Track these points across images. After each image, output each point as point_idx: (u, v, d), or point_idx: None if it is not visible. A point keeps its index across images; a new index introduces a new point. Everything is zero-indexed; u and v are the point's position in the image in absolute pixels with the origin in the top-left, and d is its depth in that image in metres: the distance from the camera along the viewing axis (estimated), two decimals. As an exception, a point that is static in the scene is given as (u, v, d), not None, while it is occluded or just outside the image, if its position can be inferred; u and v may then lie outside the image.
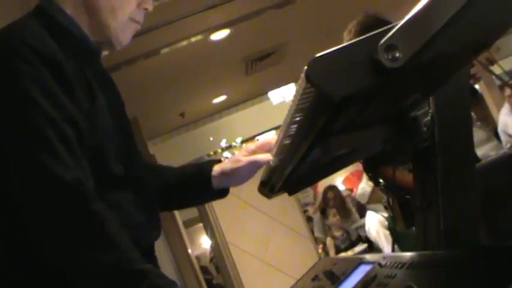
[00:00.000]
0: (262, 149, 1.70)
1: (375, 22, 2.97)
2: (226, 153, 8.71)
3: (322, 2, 6.64)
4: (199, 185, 1.77)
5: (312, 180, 2.02)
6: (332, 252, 5.84)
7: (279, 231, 5.33)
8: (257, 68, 8.20)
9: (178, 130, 9.70)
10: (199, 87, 8.08)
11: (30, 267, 1.31)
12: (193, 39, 6.20)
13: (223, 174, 1.74)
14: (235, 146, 8.99)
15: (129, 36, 1.58)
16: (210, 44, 6.54)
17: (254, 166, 1.70)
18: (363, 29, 2.97)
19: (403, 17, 2.63)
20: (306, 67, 0.82)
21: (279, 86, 9.56)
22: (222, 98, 9.32)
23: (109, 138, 1.46)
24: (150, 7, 1.59)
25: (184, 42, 6.19)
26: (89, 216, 1.23)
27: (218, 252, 5.23)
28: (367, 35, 0.83)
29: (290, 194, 1.80)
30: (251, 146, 1.74)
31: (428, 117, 1.36)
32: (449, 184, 1.38)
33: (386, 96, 1.02)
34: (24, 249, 1.31)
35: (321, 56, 0.82)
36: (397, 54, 0.79)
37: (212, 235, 5.55)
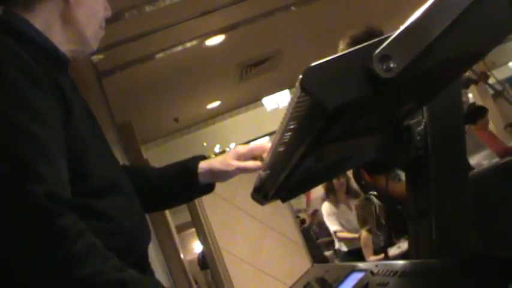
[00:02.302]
0: (253, 153, 1.72)
1: (368, 33, 3.01)
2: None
3: (317, 9, 6.67)
4: (186, 183, 1.78)
5: (305, 187, 2.03)
6: (369, 252, 5.41)
7: (272, 237, 5.33)
8: (251, 74, 8.23)
9: (172, 135, 9.72)
10: (194, 92, 8.09)
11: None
12: (188, 45, 6.22)
13: (211, 172, 1.76)
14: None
15: (98, 42, 1.61)
16: (205, 50, 6.56)
17: (242, 172, 1.72)
18: (355, 39, 3.00)
19: (398, 28, 2.64)
20: (300, 76, 0.82)
21: (273, 93, 9.59)
22: (216, 103, 9.34)
23: (90, 145, 1.45)
24: (109, 12, 1.63)
25: (179, 48, 6.21)
26: (54, 234, 1.19)
27: (210, 257, 5.22)
28: (362, 45, 0.84)
29: (283, 201, 1.81)
30: (242, 149, 1.75)
31: (422, 127, 1.37)
32: (441, 193, 1.38)
33: (380, 106, 1.03)
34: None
35: (315, 65, 0.83)
36: (392, 65, 0.80)
37: (204, 240, 5.55)
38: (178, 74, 7.08)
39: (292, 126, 1.07)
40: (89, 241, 1.23)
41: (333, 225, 6.65)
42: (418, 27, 0.83)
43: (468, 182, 1.44)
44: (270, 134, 11.39)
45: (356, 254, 6.05)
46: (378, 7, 7.10)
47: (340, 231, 6.59)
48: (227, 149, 9.02)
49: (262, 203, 1.83)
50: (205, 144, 9.45)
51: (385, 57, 0.80)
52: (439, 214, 1.38)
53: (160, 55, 6.11)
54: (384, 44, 0.81)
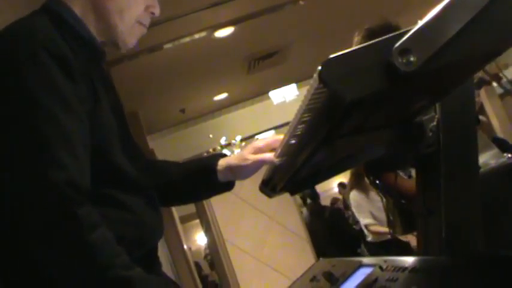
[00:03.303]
0: (270, 147, 1.71)
1: (384, 26, 2.99)
2: (225, 151, 8.70)
3: (327, 3, 6.64)
4: (206, 179, 1.77)
5: (314, 181, 2.03)
6: None
7: (276, 231, 5.33)
8: (259, 67, 8.21)
9: (178, 126, 9.71)
10: (201, 84, 8.08)
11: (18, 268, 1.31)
12: (196, 36, 6.20)
13: (229, 169, 1.75)
14: (234, 144, 8.98)
15: (135, 39, 1.59)
16: (214, 41, 6.54)
17: (260, 165, 1.70)
18: (371, 32, 2.98)
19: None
20: (319, 67, 0.82)
21: (280, 86, 9.56)
22: (223, 95, 9.32)
23: (114, 137, 1.47)
24: (157, 12, 1.61)
25: (188, 39, 6.19)
26: (70, 222, 1.21)
27: (214, 249, 5.23)
28: (382, 38, 0.84)
29: (292, 194, 1.81)
30: (259, 143, 1.74)
31: (434, 123, 1.36)
32: (452, 191, 1.38)
33: (395, 101, 1.02)
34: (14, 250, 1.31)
35: (334, 56, 0.82)
36: (412, 59, 0.79)
37: (209, 232, 5.55)
38: (186, 65, 7.07)
39: (306, 119, 1.07)
40: (103, 234, 1.24)
41: (364, 218, 6.09)
42: (438, 22, 0.82)
43: (478, 181, 1.43)
44: (276, 128, 11.38)
45: (386, 246, 5.71)
46: (389, 2, 7.07)
47: (373, 224, 6.04)
48: (233, 141, 9.02)
49: (270, 196, 1.83)
50: (211, 136, 9.42)
51: (405, 51, 0.80)
52: (449, 212, 1.37)
53: (168, 46, 6.09)
54: (404, 38, 0.81)
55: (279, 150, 1.54)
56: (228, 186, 1.81)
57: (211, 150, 9.08)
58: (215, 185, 1.78)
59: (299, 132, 1.19)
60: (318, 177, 1.75)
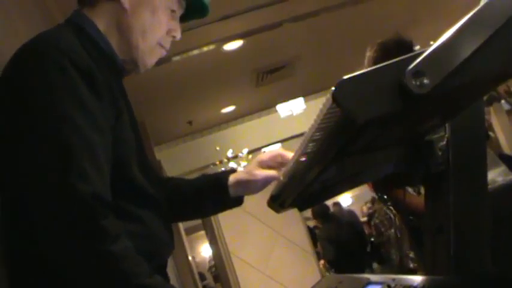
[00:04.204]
0: (274, 160, 1.75)
1: (397, 42, 3.01)
2: (232, 164, 8.72)
3: (335, 19, 6.66)
4: (217, 195, 1.80)
5: (323, 197, 2.03)
6: None
7: (281, 244, 5.32)
8: (267, 80, 8.23)
9: (185, 138, 9.72)
10: (209, 96, 8.10)
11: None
12: (205, 49, 6.22)
13: (239, 184, 1.77)
14: (241, 157, 9.00)
15: (154, 60, 1.62)
16: (223, 54, 6.57)
17: (268, 181, 1.73)
18: (384, 47, 3.00)
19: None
20: (333, 88, 0.83)
21: (287, 100, 9.58)
22: (231, 108, 9.34)
23: (132, 151, 1.49)
24: (178, 36, 1.64)
25: (196, 51, 6.21)
26: (95, 233, 1.22)
27: (220, 261, 5.22)
28: (395, 60, 0.84)
29: (300, 210, 1.81)
30: (263, 156, 1.77)
31: (444, 142, 1.36)
32: (461, 210, 1.38)
33: (406, 121, 1.03)
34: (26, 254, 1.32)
35: (348, 77, 0.83)
36: (425, 81, 0.80)
37: (214, 244, 5.55)
38: (194, 78, 7.09)
39: (317, 137, 1.07)
40: (126, 244, 1.26)
41: None
42: (451, 44, 0.83)
43: (488, 200, 1.43)
44: (283, 141, 11.39)
45: None
46: (396, 18, 7.10)
47: None
48: (240, 154, 9.03)
49: (278, 211, 1.84)
50: (218, 148, 9.43)
51: (418, 73, 0.81)
52: (458, 231, 1.37)
53: (177, 58, 6.11)
54: (418, 60, 0.82)
55: (288, 167, 1.55)
56: (238, 201, 1.83)
57: (217, 162, 9.10)
58: (226, 200, 1.80)
59: (309, 150, 1.20)
60: (327, 193, 1.75)
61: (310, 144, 1.15)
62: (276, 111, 9.79)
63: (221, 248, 4.93)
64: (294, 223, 5.21)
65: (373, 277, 1.44)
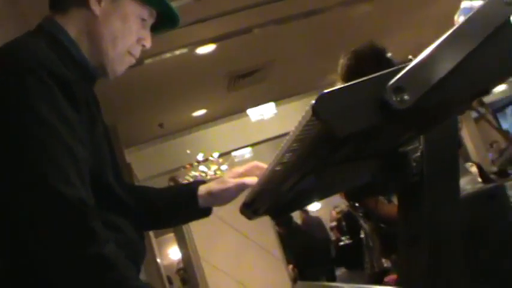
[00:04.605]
0: (250, 173, 1.74)
1: (371, 51, 3.03)
2: (202, 167, 8.70)
3: (308, 25, 6.69)
4: (186, 205, 1.80)
5: (297, 206, 2.03)
6: None
7: (251, 250, 5.32)
8: (239, 84, 8.24)
9: (156, 140, 9.68)
10: (181, 99, 8.09)
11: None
12: (178, 52, 6.21)
13: (210, 194, 1.77)
14: (211, 161, 8.99)
15: (123, 68, 1.62)
16: (195, 58, 6.57)
17: (241, 188, 1.73)
18: (359, 55, 3.02)
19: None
20: (313, 101, 0.83)
21: (258, 104, 9.61)
22: (202, 111, 9.34)
23: (107, 159, 1.51)
24: (148, 45, 1.64)
25: (169, 54, 6.20)
26: (87, 236, 1.23)
27: (189, 266, 5.21)
28: (376, 74, 0.85)
29: (274, 218, 1.82)
30: (239, 169, 1.77)
31: (418, 154, 1.38)
32: (436, 220, 1.39)
33: (384, 134, 1.03)
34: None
35: (329, 91, 0.83)
36: (405, 97, 0.80)
37: (184, 248, 5.53)
38: (166, 80, 7.07)
39: (294, 148, 1.07)
40: (115, 247, 1.27)
41: None
42: (432, 60, 0.83)
43: (460, 210, 1.45)
44: (253, 145, 11.41)
45: None
46: (368, 26, 7.15)
47: None
48: (210, 158, 9.02)
49: (250, 218, 1.84)
50: (188, 151, 9.41)
51: (399, 88, 0.81)
52: (433, 241, 1.38)
53: (149, 60, 6.09)
54: (398, 76, 0.82)
55: (263, 177, 1.55)
56: (206, 212, 1.83)
57: (187, 165, 9.08)
58: (195, 211, 1.81)
59: (286, 160, 1.20)
60: (301, 202, 1.76)
61: (287, 155, 1.16)
62: (247, 115, 9.81)
63: (191, 252, 4.91)
64: (265, 229, 5.21)
65: (346, 286, 1.45)
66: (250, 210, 1.77)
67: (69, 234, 1.22)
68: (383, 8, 6.99)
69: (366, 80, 0.85)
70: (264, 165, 1.70)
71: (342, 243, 13.38)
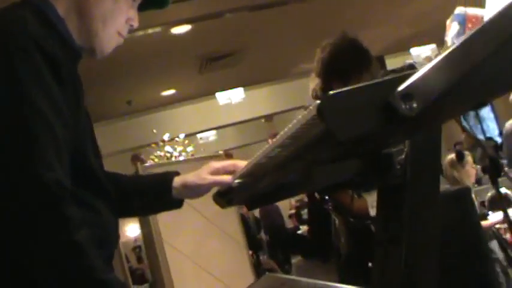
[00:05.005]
0: (226, 169, 1.73)
1: (350, 42, 3.00)
2: (168, 148, 8.66)
3: (284, 13, 6.68)
4: (160, 195, 1.78)
5: (274, 199, 2.02)
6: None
7: (215, 235, 5.31)
8: (211, 67, 8.21)
9: (123, 117, 9.61)
10: (151, 78, 8.03)
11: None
12: (151, 31, 6.14)
13: (185, 187, 1.76)
14: (177, 141, 8.95)
15: (111, 48, 1.58)
16: (169, 38, 6.51)
17: (216, 186, 1.73)
18: (337, 48, 2.99)
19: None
20: (318, 101, 0.81)
21: (227, 88, 9.60)
22: (171, 91, 9.30)
23: (89, 140, 1.48)
24: (136, 24, 1.60)
25: (141, 32, 6.13)
26: (60, 221, 1.20)
27: (151, 246, 5.18)
28: (383, 79, 0.84)
29: (250, 209, 1.82)
30: (216, 165, 1.76)
31: (402, 156, 1.37)
32: (415, 222, 1.40)
33: (379, 137, 1.03)
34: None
35: (335, 93, 0.82)
36: (414, 104, 0.79)
37: (146, 228, 5.50)
38: (138, 58, 6.99)
39: (287, 143, 1.06)
40: (87, 234, 1.24)
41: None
42: (441, 68, 0.83)
43: (440, 214, 1.45)
44: (218, 128, 11.40)
45: None
46: (344, 18, 7.16)
47: None
48: (176, 139, 8.97)
49: (223, 207, 1.83)
50: (155, 131, 9.34)
51: (407, 95, 0.80)
52: (411, 242, 1.39)
53: (120, 37, 6.00)
54: (408, 83, 0.81)
55: (244, 170, 1.54)
56: (178, 204, 1.82)
57: (153, 145, 9.03)
58: (168, 201, 1.79)
59: (274, 155, 1.18)
60: (279, 195, 1.75)
61: (277, 149, 1.14)
62: (215, 98, 9.80)
63: (154, 234, 4.88)
64: (228, 215, 5.19)
65: (318, 283, 1.45)
66: (225, 199, 1.76)
67: (42, 218, 1.19)
68: (361, 1, 7.01)
69: (372, 84, 0.84)
70: (242, 165, 1.68)
71: (299, 231, 13.47)
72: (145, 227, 5.63)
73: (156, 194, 1.78)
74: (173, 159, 8.33)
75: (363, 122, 0.82)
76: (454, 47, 0.84)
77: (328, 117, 0.81)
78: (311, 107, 0.85)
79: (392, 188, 1.42)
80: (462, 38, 0.85)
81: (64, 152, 1.29)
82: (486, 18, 1.64)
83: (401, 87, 0.80)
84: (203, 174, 1.74)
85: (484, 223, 4.76)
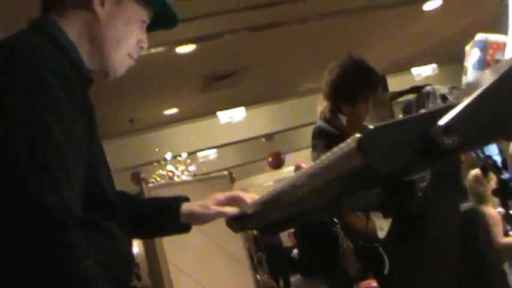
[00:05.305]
0: (230, 201, 1.76)
1: (356, 68, 3.02)
2: (170, 167, 8.66)
3: (286, 34, 6.70)
4: (168, 220, 1.79)
5: (289, 225, 2.02)
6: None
7: (219, 255, 5.29)
8: (214, 86, 8.22)
9: (125, 136, 9.59)
10: (154, 96, 8.02)
11: None
12: (153, 50, 6.15)
13: (190, 215, 1.77)
14: (179, 160, 8.95)
15: (123, 70, 1.58)
16: (174, 57, 6.51)
17: (220, 217, 1.76)
18: (344, 71, 3.00)
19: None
20: (359, 135, 0.81)
21: (228, 107, 9.61)
22: (174, 110, 9.29)
23: (102, 164, 1.47)
24: (146, 46, 1.61)
25: (144, 52, 6.12)
26: (65, 251, 1.19)
27: (154, 265, 5.16)
28: (422, 112, 0.83)
29: (264, 234, 1.82)
30: (220, 197, 1.78)
31: (424, 183, 1.37)
32: (436, 250, 1.39)
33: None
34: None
35: (375, 127, 0.82)
36: (456, 138, 0.79)
37: (149, 248, 5.48)
38: (141, 77, 6.96)
39: (318, 172, 1.05)
40: (93, 265, 1.23)
41: None
42: (484, 102, 0.82)
43: (459, 243, 1.45)
44: (219, 147, 11.38)
45: None
46: (347, 39, 7.18)
47: None
48: (179, 158, 8.97)
49: (237, 231, 1.84)
50: (156, 150, 9.34)
51: (449, 129, 0.79)
52: (431, 271, 1.38)
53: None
54: (451, 117, 0.80)
55: (264, 197, 1.54)
56: (186, 228, 1.82)
57: (155, 163, 9.03)
58: (176, 226, 1.80)
59: (301, 184, 1.18)
60: (294, 222, 1.75)
61: (306, 179, 1.14)
62: (216, 117, 9.81)
63: (159, 254, 4.86)
64: (233, 235, 5.16)
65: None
66: (240, 224, 1.76)
67: (48, 247, 1.17)
68: (363, 22, 7.03)
69: (411, 117, 0.84)
70: (246, 197, 1.73)
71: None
72: (149, 246, 5.60)
73: (165, 219, 1.79)
74: (175, 178, 8.32)
75: (403, 156, 0.82)
76: (492, 81, 0.84)
77: (369, 151, 0.81)
78: (349, 140, 0.84)
79: (412, 216, 1.41)
80: (498, 72, 0.85)
81: (76, 177, 1.28)
82: (509, 44, 1.65)
83: (442, 122, 0.80)
84: (208, 205, 1.76)
85: (506, 240, 4.76)
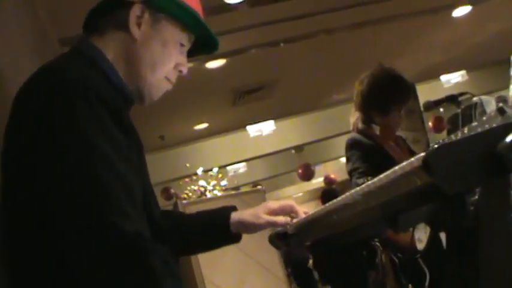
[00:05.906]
0: (283, 210, 1.74)
1: (387, 77, 3.01)
2: (201, 182, 8.66)
3: (316, 45, 6.68)
4: (219, 232, 1.78)
5: (335, 243, 2.00)
6: None
7: (255, 271, 5.26)
8: (243, 100, 8.21)
9: (156, 152, 9.62)
10: (184, 112, 8.04)
11: None
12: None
13: (241, 224, 1.75)
14: (211, 175, 8.96)
15: (160, 94, 1.58)
16: (204, 72, 6.53)
17: (271, 226, 1.75)
18: (375, 81, 3.00)
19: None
20: (423, 154, 0.79)
21: (258, 121, 9.61)
22: (204, 125, 9.31)
23: (149, 187, 1.47)
24: (185, 71, 1.60)
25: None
26: (148, 276, 1.16)
27: (191, 283, 5.15)
28: (487, 129, 0.82)
29: (311, 252, 1.80)
30: (273, 205, 1.76)
31: (476, 197, 1.34)
32: (490, 265, 1.37)
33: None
34: None
35: (441, 145, 0.80)
36: (524, 155, 0.77)
37: (186, 265, 5.48)
38: (172, 93, 7.01)
39: (375, 191, 1.03)
40: (171, 285, 1.21)
41: None
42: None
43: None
44: (249, 160, 11.36)
45: None
46: (375, 49, 7.15)
47: None
48: (210, 173, 8.98)
49: (279, 248, 1.83)
50: (188, 165, 9.34)
51: (518, 146, 0.78)
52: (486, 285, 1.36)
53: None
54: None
55: (312, 216, 1.53)
56: (237, 238, 1.80)
57: (187, 179, 9.04)
58: (227, 237, 1.78)
59: (354, 202, 1.16)
60: (341, 240, 1.73)
61: (358, 197, 1.12)
62: (246, 130, 9.82)
63: (196, 270, 4.85)
64: (269, 250, 5.12)
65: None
66: (284, 242, 1.76)
67: (130, 276, 1.15)
68: (392, 31, 6.99)
69: (477, 135, 0.82)
70: (299, 210, 1.71)
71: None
72: (184, 263, 5.60)
73: (216, 232, 1.77)
74: (207, 192, 8.33)
75: (470, 174, 0.80)
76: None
77: (436, 170, 0.79)
78: (413, 159, 0.83)
79: (465, 231, 1.39)
80: None
81: (138, 200, 1.27)
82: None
83: (510, 138, 0.78)
84: (259, 214, 1.74)
85: None
